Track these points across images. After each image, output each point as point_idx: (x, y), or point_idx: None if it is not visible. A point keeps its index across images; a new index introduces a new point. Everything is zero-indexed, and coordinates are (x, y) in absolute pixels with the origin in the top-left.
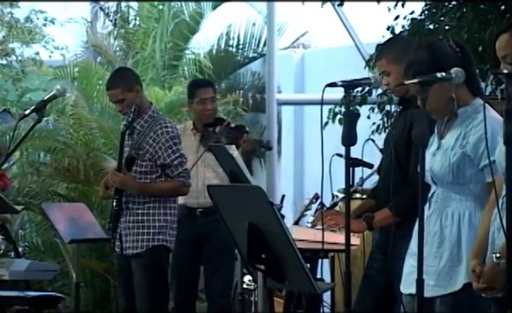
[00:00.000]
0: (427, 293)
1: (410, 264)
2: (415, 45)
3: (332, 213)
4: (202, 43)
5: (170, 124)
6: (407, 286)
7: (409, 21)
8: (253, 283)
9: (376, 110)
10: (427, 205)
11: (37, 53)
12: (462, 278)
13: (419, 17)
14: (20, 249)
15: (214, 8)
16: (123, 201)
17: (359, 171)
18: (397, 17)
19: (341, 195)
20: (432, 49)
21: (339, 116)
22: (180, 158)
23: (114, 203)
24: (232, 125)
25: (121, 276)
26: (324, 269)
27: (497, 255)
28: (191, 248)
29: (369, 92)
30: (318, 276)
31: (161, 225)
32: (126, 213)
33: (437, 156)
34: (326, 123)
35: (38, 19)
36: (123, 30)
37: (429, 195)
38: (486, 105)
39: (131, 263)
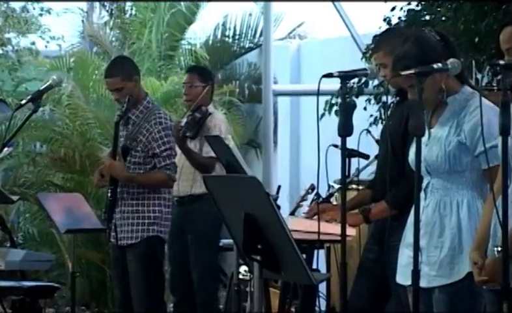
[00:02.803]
0: (428, 284)
1: (407, 255)
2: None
3: (328, 208)
4: (198, 33)
5: (165, 116)
6: (405, 277)
7: (405, 12)
8: (248, 274)
9: (372, 101)
10: (423, 195)
11: (33, 43)
12: (465, 267)
13: (415, 9)
14: (16, 239)
15: None
16: (118, 191)
17: (355, 162)
18: (393, 8)
19: (337, 186)
20: (419, 43)
21: (335, 107)
22: (169, 151)
23: (109, 194)
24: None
25: (116, 267)
26: (319, 260)
27: (499, 248)
28: (176, 237)
29: (366, 84)
30: (314, 266)
31: (156, 215)
32: (121, 204)
33: (430, 146)
34: (323, 114)
35: (34, 9)
36: (119, 20)
37: (424, 185)
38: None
39: (126, 253)
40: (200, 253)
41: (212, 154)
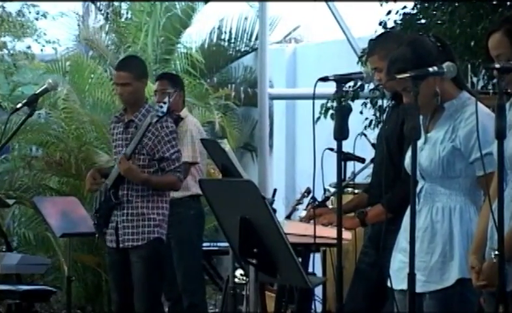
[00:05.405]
0: (418, 289)
1: (399, 259)
2: (397, 44)
3: (324, 211)
4: (194, 37)
5: (169, 119)
6: (398, 282)
7: (401, 16)
8: (244, 278)
9: (368, 105)
10: (416, 200)
11: (29, 47)
12: (455, 273)
13: (411, 12)
14: (12, 243)
15: (206, 2)
16: (119, 195)
17: (351, 165)
18: (389, 12)
19: (332, 190)
20: (414, 46)
21: (331, 111)
22: (178, 153)
23: (111, 197)
24: None
25: (114, 271)
26: (315, 263)
27: (496, 252)
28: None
29: (361, 87)
30: (310, 270)
31: (160, 218)
32: (123, 206)
33: (425, 151)
34: (318, 118)
35: (30, 13)
36: (115, 24)
37: (418, 190)
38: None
39: (128, 255)
40: (183, 256)
41: (186, 159)
